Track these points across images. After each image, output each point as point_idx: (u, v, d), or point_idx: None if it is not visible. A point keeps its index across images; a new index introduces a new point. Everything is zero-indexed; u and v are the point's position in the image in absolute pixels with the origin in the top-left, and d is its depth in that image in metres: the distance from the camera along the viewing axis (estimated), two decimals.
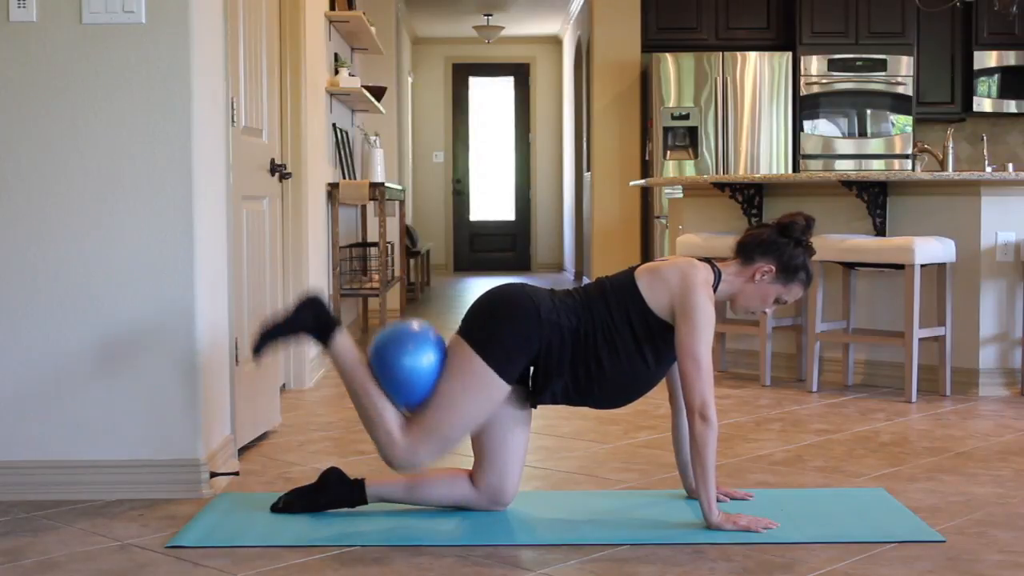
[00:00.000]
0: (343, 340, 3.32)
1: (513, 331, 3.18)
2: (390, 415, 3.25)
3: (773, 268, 3.30)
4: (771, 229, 3.34)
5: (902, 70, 9.96)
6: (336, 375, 6.12)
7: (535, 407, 3.31)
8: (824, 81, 9.96)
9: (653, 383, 3.31)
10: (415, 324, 3.31)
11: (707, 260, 3.33)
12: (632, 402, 3.34)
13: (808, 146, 9.98)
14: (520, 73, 15.73)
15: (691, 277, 3.20)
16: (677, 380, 3.39)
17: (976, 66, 10.23)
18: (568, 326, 3.21)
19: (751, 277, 3.31)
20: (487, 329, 3.20)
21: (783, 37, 10.16)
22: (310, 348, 3.33)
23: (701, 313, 3.16)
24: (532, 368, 3.27)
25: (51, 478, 3.56)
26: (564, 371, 3.22)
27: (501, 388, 3.20)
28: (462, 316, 3.33)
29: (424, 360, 3.22)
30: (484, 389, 3.18)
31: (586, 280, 11.56)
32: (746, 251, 3.33)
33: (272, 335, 3.33)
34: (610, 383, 3.24)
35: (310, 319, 3.32)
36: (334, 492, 3.33)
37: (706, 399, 3.13)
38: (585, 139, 11.57)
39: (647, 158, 10.26)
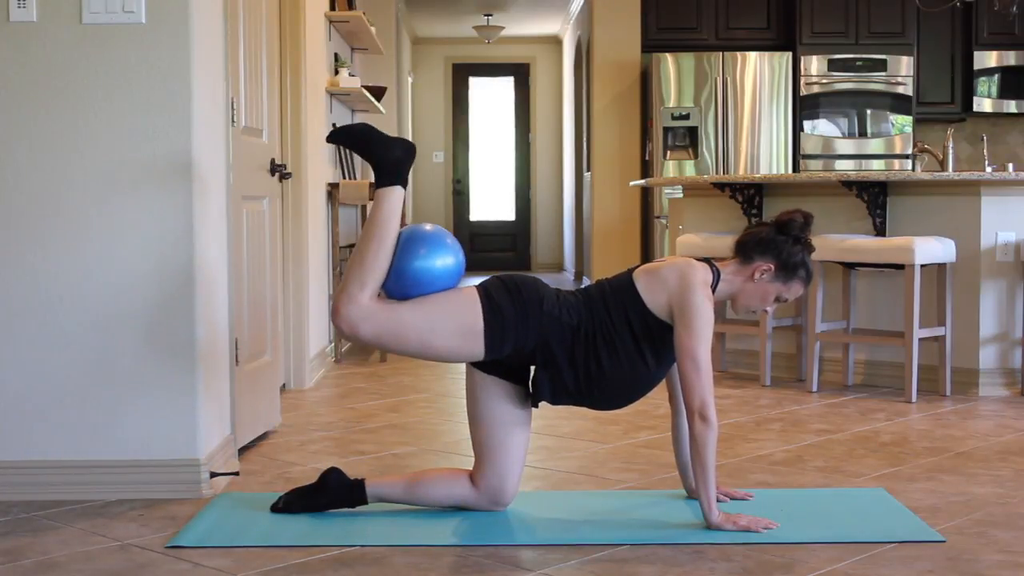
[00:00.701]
0: (398, 195, 3.28)
1: (516, 313, 3.18)
2: (376, 279, 3.20)
3: (772, 266, 3.29)
4: (770, 227, 3.33)
5: (902, 70, 9.96)
6: (332, 377, 6.11)
7: (535, 406, 3.31)
8: (824, 81, 9.96)
9: (653, 384, 3.31)
10: (458, 248, 3.30)
11: (706, 260, 3.33)
12: (632, 403, 3.34)
13: (808, 146, 9.98)
14: (520, 73, 15.72)
15: (689, 277, 3.20)
16: (677, 380, 3.39)
17: (976, 66, 10.23)
18: (568, 323, 3.21)
19: (750, 276, 3.31)
20: (499, 298, 3.20)
21: (783, 37, 10.16)
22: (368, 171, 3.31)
23: (699, 314, 3.16)
24: (532, 367, 3.27)
25: (51, 478, 3.56)
26: (564, 369, 3.22)
27: (475, 351, 3.19)
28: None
29: (438, 263, 3.20)
30: (463, 337, 3.18)
31: (586, 280, 11.56)
32: (745, 250, 3.32)
33: (356, 135, 3.32)
34: (610, 384, 3.24)
35: (396, 155, 3.29)
36: (334, 492, 3.33)
37: (705, 399, 3.13)
38: (585, 139, 11.57)
39: (647, 158, 10.26)
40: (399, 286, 3.22)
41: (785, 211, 3.36)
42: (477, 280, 3.37)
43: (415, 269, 3.20)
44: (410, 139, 3.41)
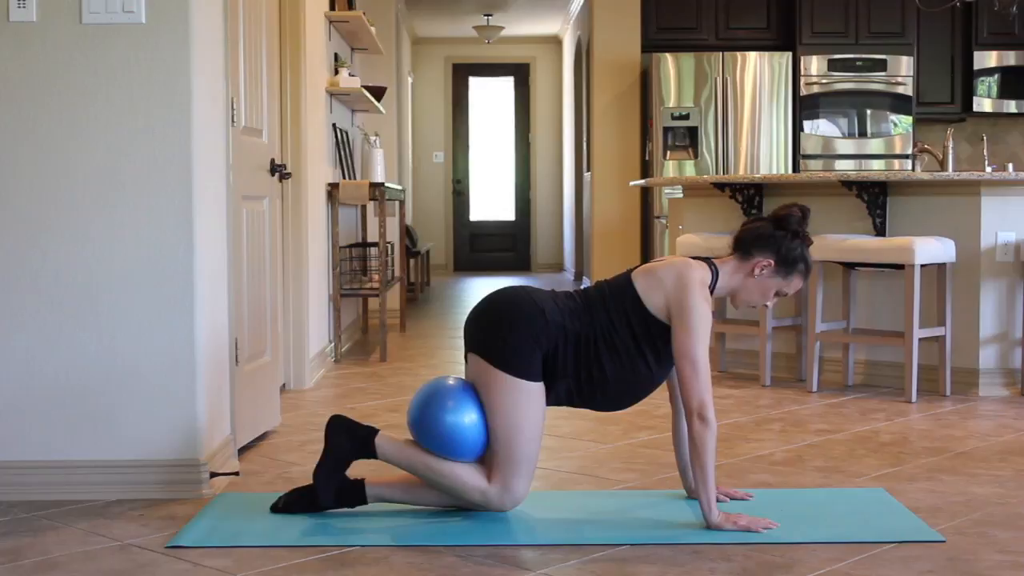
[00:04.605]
0: (385, 443, 3.31)
1: (523, 337, 3.18)
2: (466, 473, 3.23)
3: (772, 262, 3.29)
4: (767, 223, 3.33)
5: (902, 70, 9.96)
6: (332, 377, 6.11)
7: None
8: (824, 81, 9.96)
9: (655, 385, 3.31)
10: (439, 382, 3.30)
11: (705, 258, 3.33)
12: (634, 404, 3.34)
13: (808, 146, 9.98)
14: (520, 73, 15.73)
15: (686, 277, 3.20)
16: (677, 381, 3.38)
17: (976, 66, 10.23)
18: (571, 329, 3.21)
19: (750, 272, 3.31)
20: (500, 342, 3.19)
21: (783, 37, 10.17)
22: (357, 461, 3.35)
23: (696, 314, 3.16)
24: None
25: (51, 478, 3.56)
26: (568, 374, 3.22)
27: (538, 388, 3.21)
28: (466, 316, 3.33)
29: (466, 418, 3.21)
30: (526, 398, 3.18)
31: (586, 280, 11.57)
32: (743, 246, 3.32)
33: (323, 475, 3.30)
34: (612, 386, 3.24)
35: (345, 442, 3.31)
36: (334, 491, 3.32)
37: (704, 400, 3.13)
38: (585, 139, 11.57)
39: (647, 158, 10.26)
40: (451, 449, 3.23)
41: (782, 206, 3.36)
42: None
43: (450, 425, 3.20)
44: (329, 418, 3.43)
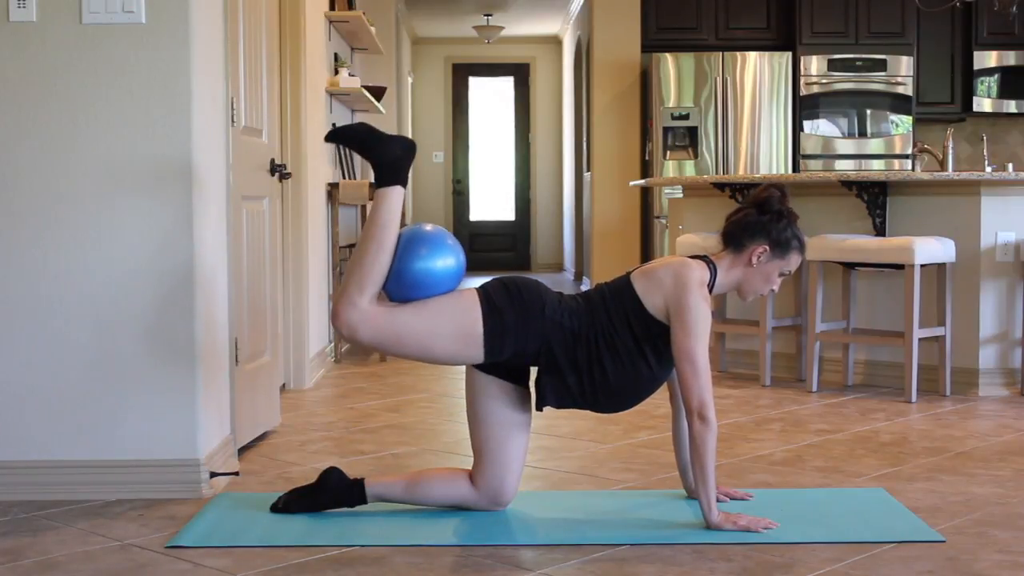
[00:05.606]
0: (398, 195, 3.27)
1: (516, 317, 3.18)
2: (375, 282, 3.20)
3: (766, 247, 3.29)
4: (750, 210, 3.33)
5: (902, 70, 9.96)
6: (332, 377, 6.11)
7: (540, 410, 3.30)
8: (824, 81, 9.96)
9: (657, 385, 3.30)
10: (459, 249, 3.28)
11: (702, 257, 3.33)
12: (636, 405, 3.34)
13: (808, 146, 9.98)
14: (520, 73, 15.73)
15: (684, 277, 3.20)
16: (677, 380, 3.38)
17: (976, 66, 10.23)
18: (570, 328, 3.20)
19: (748, 262, 3.31)
20: (500, 301, 3.20)
21: (783, 37, 10.17)
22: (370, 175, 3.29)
23: (695, 313, 3.16)
24: (536, 370, 3.27)
25: (51, 478, 3.56)
26: (567, 374, 3.21)
27: (474, 354, 3.19)
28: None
29: (439, 264, 3.18)
30: (462, 341, 3.17)
31: (586, 280, 11.57)
32: (734, 239, 3.32)
33: (355, 136, 3.30)
34: (614, 387, 3.23)
35: (395, 154, 3.29)
36: (334, 492, 3.32)
37: (704, 400, 3.13)
38: (585, 139, 11.57)
39: (647, 158, 10.26)
40: (399, 287, 3.21)
41: (759, 189, 3.36)
42: (479, 281, 3.37)
43: (416, 270, 3.19)
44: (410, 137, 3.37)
